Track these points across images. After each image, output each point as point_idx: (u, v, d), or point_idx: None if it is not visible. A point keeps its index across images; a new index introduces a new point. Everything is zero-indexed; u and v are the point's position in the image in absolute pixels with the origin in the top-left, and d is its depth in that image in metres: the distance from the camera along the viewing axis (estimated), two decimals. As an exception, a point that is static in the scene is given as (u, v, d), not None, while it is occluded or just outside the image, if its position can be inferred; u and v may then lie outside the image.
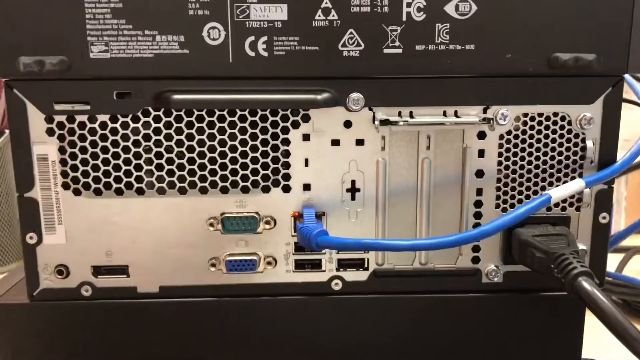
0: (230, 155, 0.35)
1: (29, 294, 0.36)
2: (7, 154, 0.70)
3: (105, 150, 0.35)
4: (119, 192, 0.35)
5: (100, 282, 0.36)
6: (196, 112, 0.35)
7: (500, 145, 0.36)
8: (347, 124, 0.35)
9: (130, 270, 0.36)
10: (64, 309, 0.36)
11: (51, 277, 0.36)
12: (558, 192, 0.34)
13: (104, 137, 0.35)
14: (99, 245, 0.36)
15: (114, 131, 0.35)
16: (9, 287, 0.39)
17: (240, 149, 0.35)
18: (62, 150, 0.35)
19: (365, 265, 0.37)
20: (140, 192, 0.35)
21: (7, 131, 0.71)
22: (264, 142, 0.35)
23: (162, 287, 0.37)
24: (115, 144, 0.35)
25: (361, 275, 0.37)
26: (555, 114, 0.36)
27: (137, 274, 0.36)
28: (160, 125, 0.35)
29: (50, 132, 0.34)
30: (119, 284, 0.36)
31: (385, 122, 0.35)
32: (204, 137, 0.35)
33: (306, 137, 0.35)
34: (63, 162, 0.35)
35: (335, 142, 0.35)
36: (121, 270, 0.36)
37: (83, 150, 0.35)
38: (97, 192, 0.35)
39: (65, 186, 0.35)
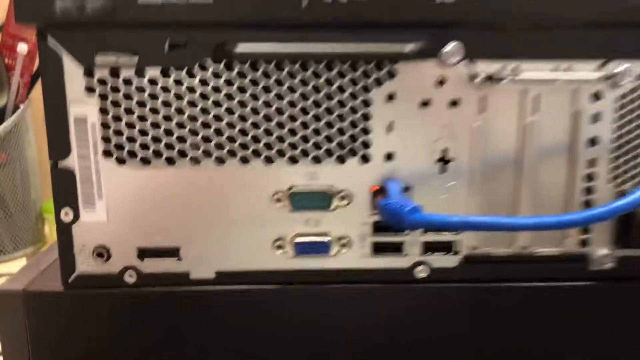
0: (300, 119, 0.30)
1: (63, 280, 0.32)
2: (23, 130, 0.67)
3: (154, 111, 0.30)
4: (170, 161, 0.31)
5: (147, 266, 0.32)
6: (262, 67, 0.30)
7: (620, 108, 0.31)
8: (440, 82, 0.30)
9: (182, 253, 0.32)
10: (104, 297, 0.32)
11: (89, 260, 0.32)
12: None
13: (153, 96, 0.30)
14: (146, 223, 0.31)
15: (166, 89, 0.30)
16: (39, 271, 0.34)
17: (312, 111, 0.30)
18: (104, 111, 0.30)
19: (456, 249, 0.32)
20: (195, 161, 0.30)
21: (22, 105, 0.67)
22: (340, 104, 0.30)
23: (219, 273, 0.32)
24: (166, 104, 0.30)
25: (450, 261, 0.32)
26: (687, 71, 0.30)
27: (189, 257, 0.32)
28: (220, 81, 0.30)
29: (90, 89, 0.29)
30: (168, 268, 0.32)
31: (486, 79, 0.29)
32: (271, 96, 0.30)
33: (390, 97, 0.30)
34: (105, 126, 0.30)
35: (425, 103, 0.30)
36: (171, 252, 0.32)
37: (129, 111, 0.30)
38: (145, 161, 0.31)
39: (107, 154, 0.30)
